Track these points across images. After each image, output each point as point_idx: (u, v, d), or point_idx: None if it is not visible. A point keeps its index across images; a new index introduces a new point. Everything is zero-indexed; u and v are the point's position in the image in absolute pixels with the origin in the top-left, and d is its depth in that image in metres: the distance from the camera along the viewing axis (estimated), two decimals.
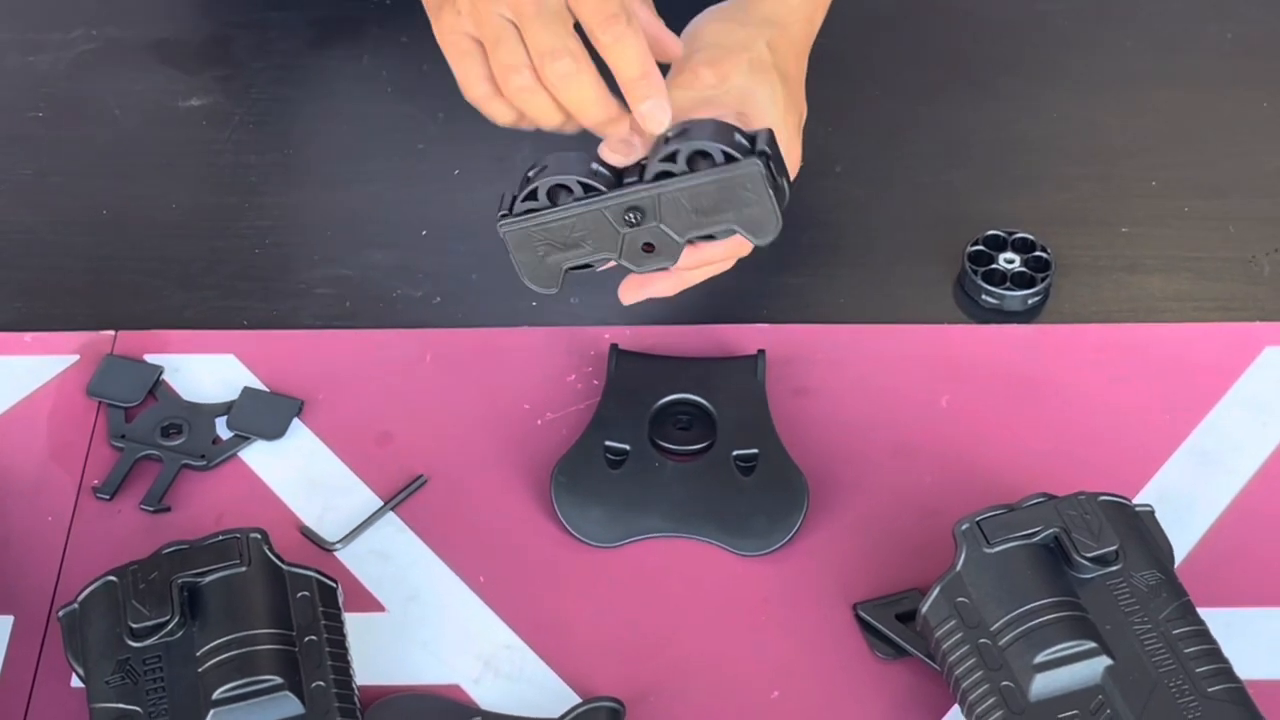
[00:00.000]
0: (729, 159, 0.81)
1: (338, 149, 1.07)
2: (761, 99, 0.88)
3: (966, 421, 0.91)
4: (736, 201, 0.82)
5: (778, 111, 0.88)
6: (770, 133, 0.82)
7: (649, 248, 0.83)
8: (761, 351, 0.91)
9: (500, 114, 0.84)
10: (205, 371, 0.93)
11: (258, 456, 0.89)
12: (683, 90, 0.86)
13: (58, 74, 1.11)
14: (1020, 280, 0.96)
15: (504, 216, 0.83)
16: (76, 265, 0.99)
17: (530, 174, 0.83)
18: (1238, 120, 1.07)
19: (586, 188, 0.82)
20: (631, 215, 0.82)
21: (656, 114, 0.81)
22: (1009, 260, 0.97)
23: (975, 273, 0.96)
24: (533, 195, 0.83)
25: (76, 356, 0.93)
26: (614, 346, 0.92)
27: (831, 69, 1.12)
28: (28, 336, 0.94)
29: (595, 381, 0.92)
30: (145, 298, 0.97)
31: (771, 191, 0.81)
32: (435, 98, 1.09)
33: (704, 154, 0.81)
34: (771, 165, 0.81)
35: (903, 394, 0.92)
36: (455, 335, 0.95)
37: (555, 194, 0.83)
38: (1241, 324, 0.95)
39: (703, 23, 0.91)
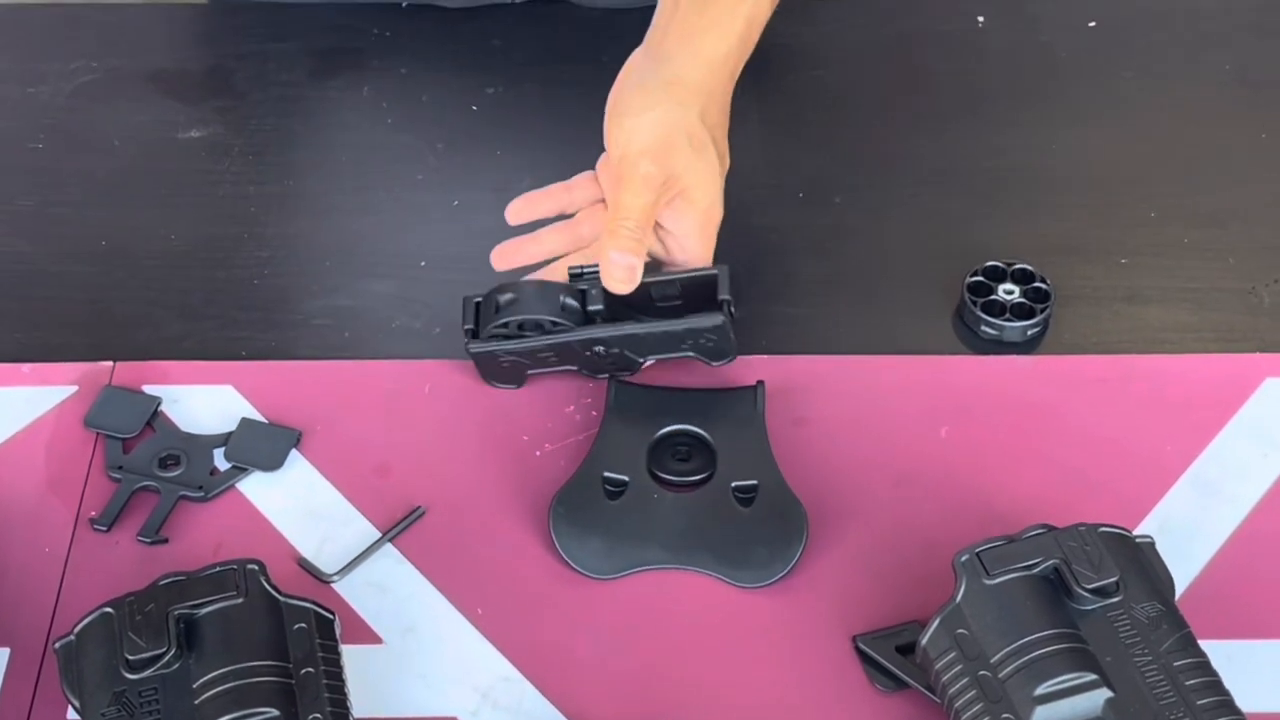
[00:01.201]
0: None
1: (337, 180, 1.07)
2: (700, 174, 0.92)
3: (966, 452, 0.90)
4: (699, 338, 0.89)
5: (715, 183, 0.93)
6: (728, 271, 0.89)
7: (610, 364, 0.90)
8: (761, 382, 0.91)
9: None
10: (203, 402, 0.93)
11: (255, 488, 0.89)
12: (634, 196, 0.89)
13: (58, 105, 1.11)
14: (1020, 311, 0.96)
15: (471, 336, 0.90)
16: (76, 296, 0.99)
17: (501, 300, 0.88)
18: (1236, 150, 1.08)
19: (556, 324, 0.88)
20: (598, 348, 0.89)
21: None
22: (1008, 291, 0.97)
23: (974, 304, 0.96)
24: (503, 324, 0.88)
25: (75, 387, 0.93)
26: (613, 377, 0.92)
27: (829, 99, 1.12)
28: (26, 367, 0.94)
29: (594, 413, 0.92)
30: (144, 328, 0.97)
31: (732, 332, 0.89)
32: (435, 128, 1.09)
33: None
34: (731, 308, 0.88)
35: (902, 424, 0.92)
36: (454, 366, 0.94)
37: (524, 323, 0.89)
38: (1242, 355, 0.95)
39: (628, 94, 0.93)
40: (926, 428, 0.92)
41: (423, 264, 1.02)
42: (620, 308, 0.89)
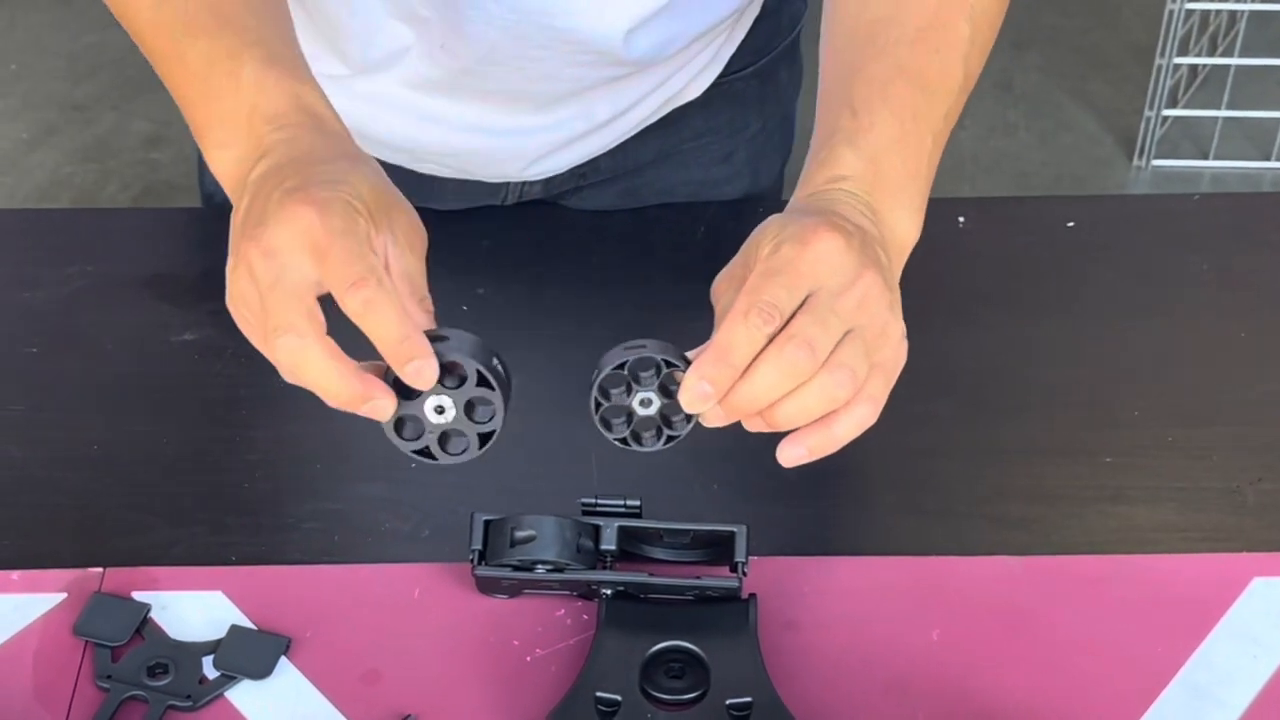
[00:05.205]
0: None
1: None
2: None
3: (958, 655, 0.90)
4: (707, 589, 0.90)
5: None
6: (745, 532, 0.89)
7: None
8: (753, 596, 0.91)
9: None
10: (193, 609, 0.92)
11: (244, 696, 0.88)
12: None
13: (53, 309, 1.12)
14: None
15: (479, 557, 0.90)
16: (66, 501, 0.99)
17: (517, 535, 0.89)
18: (1217, 350, 1.09)
19: (570, 565, 0.89)
20: (605, 590, 0.90)
21: (425, 373, 0.79)
22: None
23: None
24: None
25: (64, 595, 0.93)
26: (604, 595, 0.91)
27: None
28: (14, 574, 0.94)
29: (585, 617, 0.91)
30: (135, 534, 0.97)
31: (743, 590, 0.90)
32: None
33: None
34: (745, 569, 0.89)
35: (894, 627, 0.92)
36: (444, 570, 0.94)
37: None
38: (1229, 554, 0.95)
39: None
40: (919, 630, 0.92)
41: (413, 466, 1.02)
42: (630, 543, 0.91)
